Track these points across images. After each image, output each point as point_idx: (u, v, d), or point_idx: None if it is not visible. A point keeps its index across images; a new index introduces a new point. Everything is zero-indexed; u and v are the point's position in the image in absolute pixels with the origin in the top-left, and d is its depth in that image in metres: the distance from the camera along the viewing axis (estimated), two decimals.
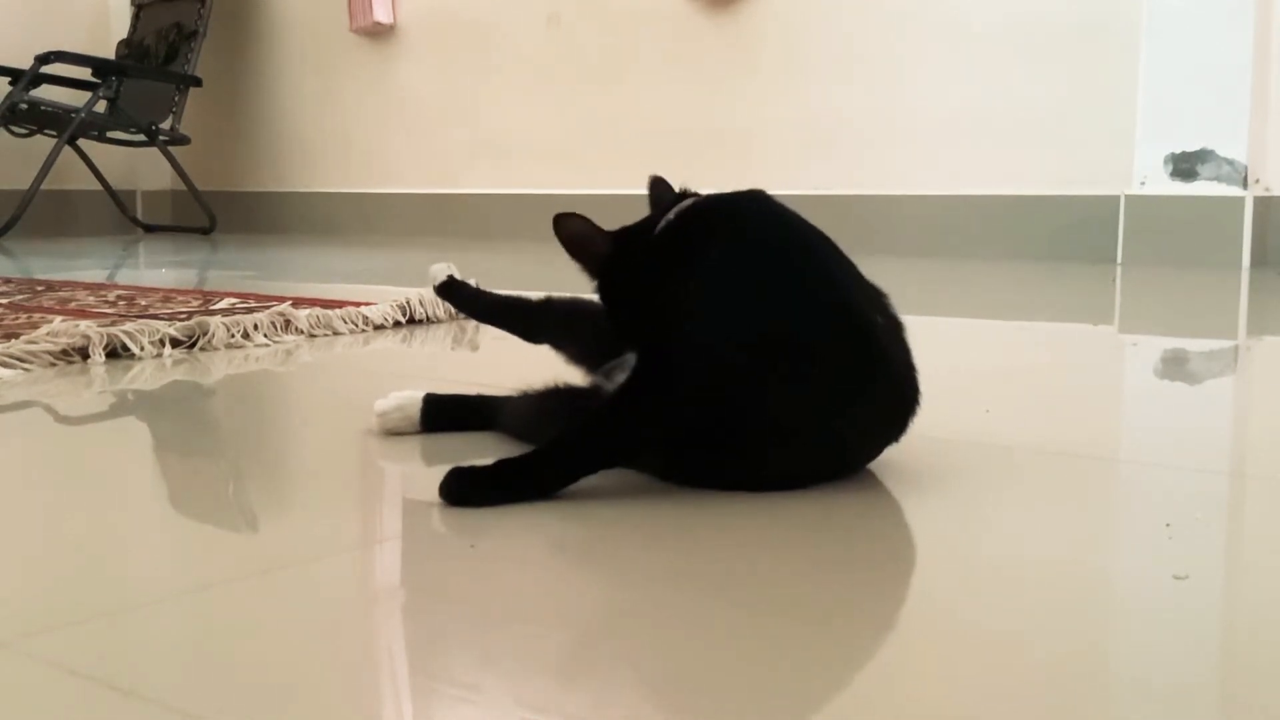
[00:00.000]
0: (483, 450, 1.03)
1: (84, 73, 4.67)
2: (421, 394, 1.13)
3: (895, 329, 0.96)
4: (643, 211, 1.04)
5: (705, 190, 1.02)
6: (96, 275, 3.08)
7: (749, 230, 0.96)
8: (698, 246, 0.95)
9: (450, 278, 1.19)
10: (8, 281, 2.67)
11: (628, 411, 0.90)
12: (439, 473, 0.89)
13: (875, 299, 0.96)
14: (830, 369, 0.90)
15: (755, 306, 0.90)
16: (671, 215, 0.98)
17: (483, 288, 1.23)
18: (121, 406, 1.44)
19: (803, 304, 0.91)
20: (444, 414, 1.13)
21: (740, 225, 0.97)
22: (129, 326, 1.64)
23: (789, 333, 0.89)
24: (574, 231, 1.01)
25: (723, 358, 0.89)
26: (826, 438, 0.92)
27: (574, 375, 1.11)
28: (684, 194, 1.01)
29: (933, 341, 1.87)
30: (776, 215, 0.97)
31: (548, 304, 1.18)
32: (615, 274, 1.00)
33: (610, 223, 1.03)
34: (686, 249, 0.95)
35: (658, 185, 1.07)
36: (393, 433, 1.12)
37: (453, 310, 2.03)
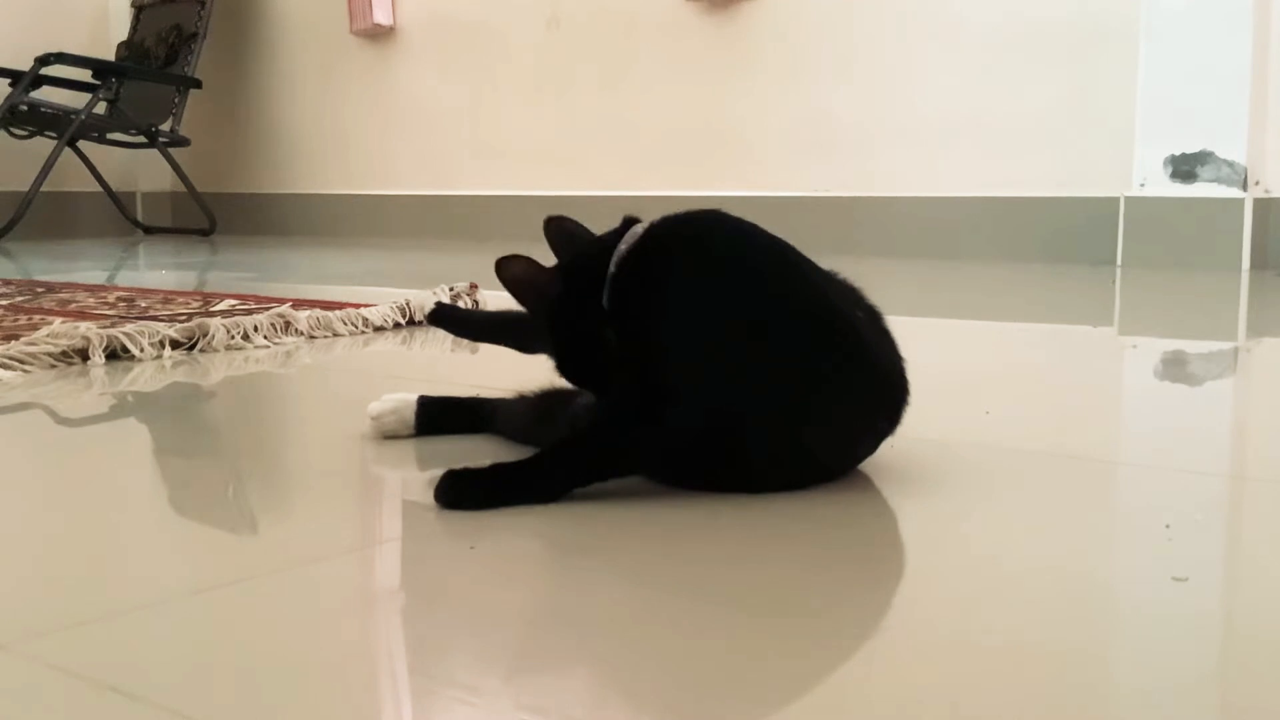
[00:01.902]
0: (479, 453, 1.04)
1: (84, 74, 4.68)
2: (415, 396, 1.13)
3: (875, 320, 0.96)
4: (641, 212, 1.03)
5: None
6: (96, 277, 3.08)
7: (716, 246, 0.95)
8: (667, 268, 0.93)
9: (438, 304, 1.18)
10: (8, 283, 2.67)
11: (626, 425, 0.89)
12: (438, 475, 0.89)
13: (850, 295, 0.96)
14: (819, 371, 0.90)
15: (739, 319, 0.90)
16: (624, 246, 0.95)
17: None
18: (121, 408, 1.44)
19: (785, 312, 0.91)
20: (438, 416, 1.13)
21: (707, 241, 0.95)
22: (129, 328, 1.64)
23: (775, 340, 0.89)
24: (519, 274, 0.98)
25: (712, 370, 0.88)
26: (821, 438, 0.92)
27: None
28: (628, 220, 0.99)
29: (933, 343, 1.88)
30: (739, 228, 0.96)
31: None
32: (567, 312, 0.98)
33: (614, 222, 1.02)
34: (656, 271, 0.93)
35: (560, 225, 1.04)
36: (387, 435, 1.12)
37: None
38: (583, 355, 0.98)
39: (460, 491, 0.88)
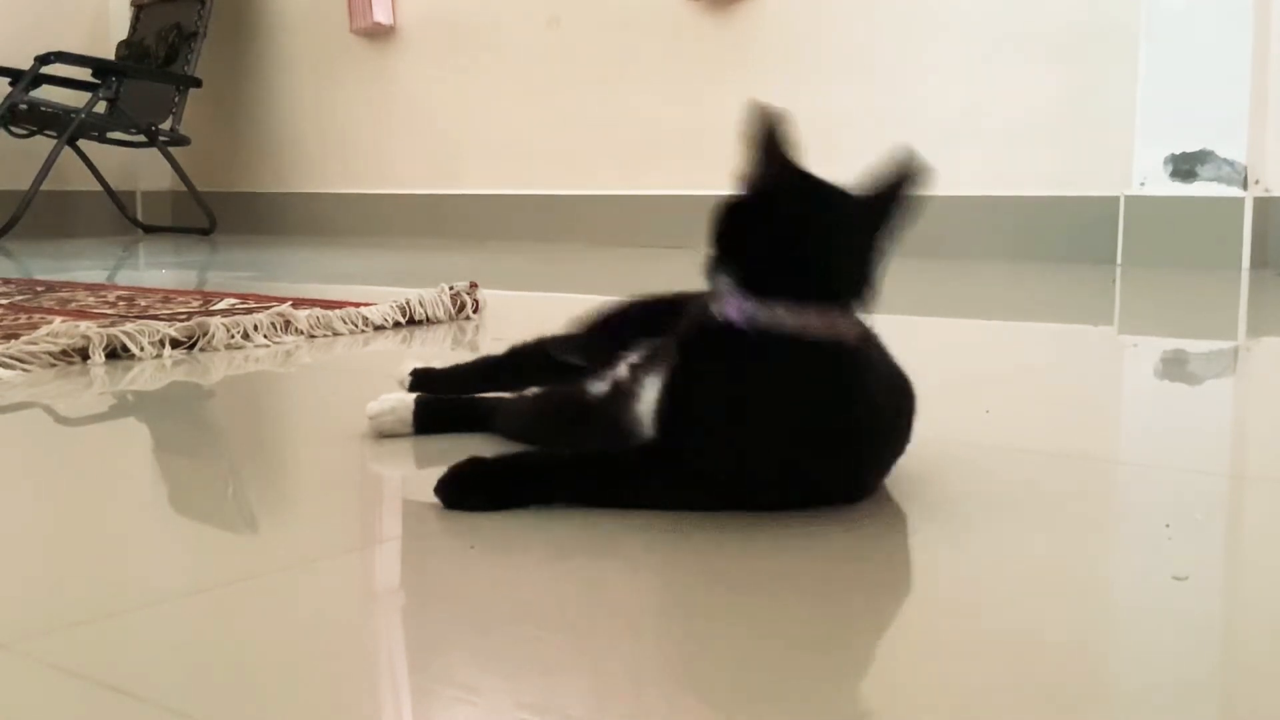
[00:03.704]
0: (477, 452, 1.03)
1: (84, 73, 4.67)
2: (413, 396, 1.14)
3: (883, 355, 0.93)
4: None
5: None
6: (96, 276, 3.08)
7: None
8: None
9: (415, 372, 1.19)
10: (8, 282, 2.67)
11: (650, 463, 0.87)
12: (437, 474, 0.89)
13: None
14: (836, 424, 0.86)
15: (760, 376, 0.85)
16: None
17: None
18: (121, 407, 1.44)
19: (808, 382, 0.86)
20: (436, 416, 1.13)
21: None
22: (129, 327, 1.64)
23: (796, 397, 0.85)
24: (762, 143, 0.91)
25: (737, 424, 0.85)
26: (834, 481, 0.89)
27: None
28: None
29: (933, 342, 1.88)
30: None
31: (516, 353, 1.17)
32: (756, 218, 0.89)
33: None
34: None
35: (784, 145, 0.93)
36: (385, 434, 1.13)
37: (452, 311, 2.04)
38: (738, 236, 0.88)
39: (464, 491, 0.88)
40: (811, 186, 0.89)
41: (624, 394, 0.94)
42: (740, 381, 0.85)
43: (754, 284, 0.85)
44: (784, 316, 0.84)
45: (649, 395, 0.90)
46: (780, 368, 0.84)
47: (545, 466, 0.89)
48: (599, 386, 1.01)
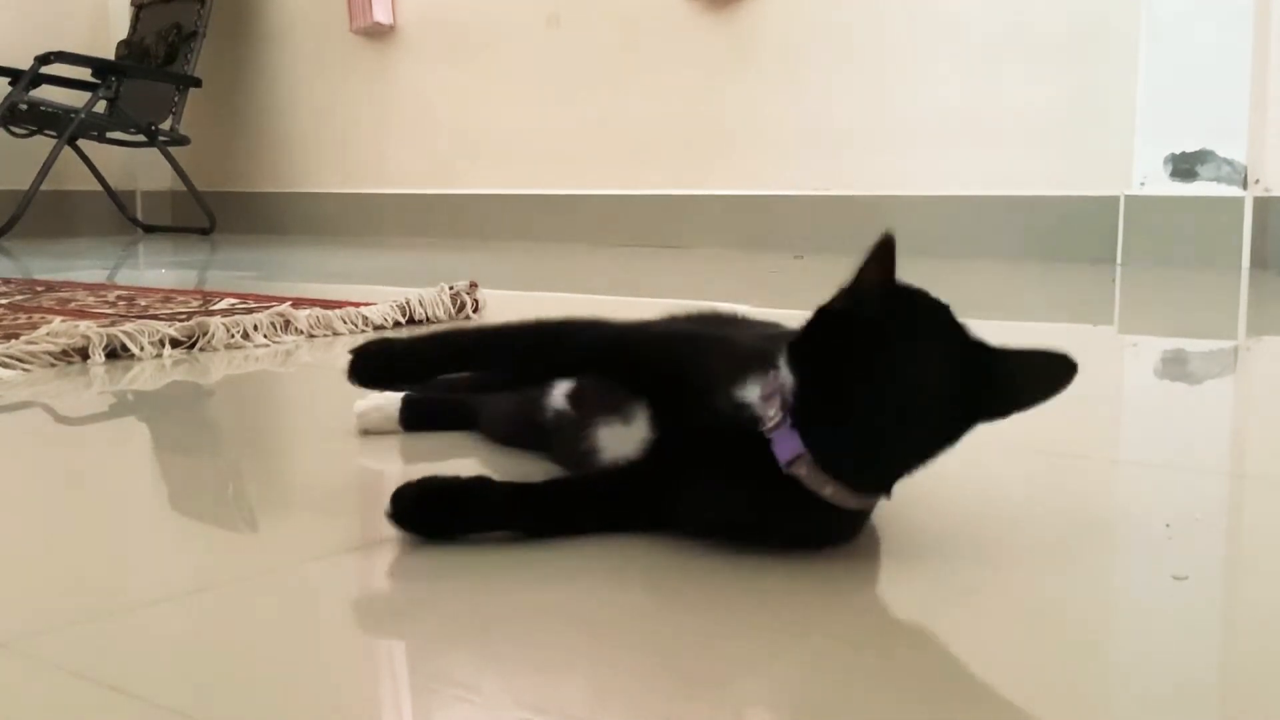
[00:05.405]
0: (472, 451, 1.03)
1: (84, 73, 4.68)
2: (400, 395, 1.14)
3: None
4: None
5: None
6: (96, 276, 3.08)
7: None
8: None
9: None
10: (8, 282, 2.67)
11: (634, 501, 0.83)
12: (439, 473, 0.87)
13: None
14: None
15: None
16: None
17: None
18: (121, 407, 1.44)
19: None
20: (423, 415, 1.14)
21: None
22: (129, 327, 1.64)
23: None
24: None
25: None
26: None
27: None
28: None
29: None
30: None
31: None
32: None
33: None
34: None
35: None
36: (372, 432, 1.13)
37: (452, 311, 2.04)
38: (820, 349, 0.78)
39: (421, 516, 0.79)
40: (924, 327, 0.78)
41: (572, 425, 0.91)
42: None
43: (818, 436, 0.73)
44: (838, 498, 0.75)
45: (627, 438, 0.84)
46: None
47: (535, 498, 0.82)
48: (556, 401, 0.98)
